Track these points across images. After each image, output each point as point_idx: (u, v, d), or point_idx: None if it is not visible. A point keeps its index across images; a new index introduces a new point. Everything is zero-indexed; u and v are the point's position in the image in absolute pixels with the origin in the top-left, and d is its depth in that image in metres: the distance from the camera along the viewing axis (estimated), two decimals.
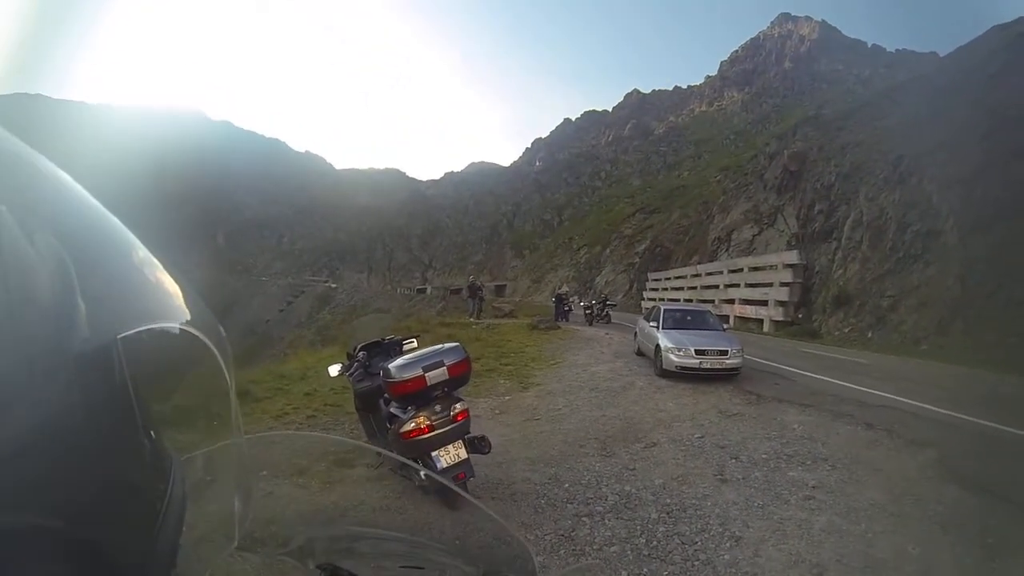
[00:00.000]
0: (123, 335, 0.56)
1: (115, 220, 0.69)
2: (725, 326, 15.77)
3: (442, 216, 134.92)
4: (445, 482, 2.36)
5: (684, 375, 12.44)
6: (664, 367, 12.75)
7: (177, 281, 0.77)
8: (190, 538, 0.76)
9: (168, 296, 0.75)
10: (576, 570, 4.72)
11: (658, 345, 13.26)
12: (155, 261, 0.73)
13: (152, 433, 0.61)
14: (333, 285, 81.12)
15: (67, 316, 0.49)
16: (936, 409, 9.83)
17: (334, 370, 6.94)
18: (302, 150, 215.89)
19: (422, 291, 77.65)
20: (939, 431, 8.53)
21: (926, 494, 6.33)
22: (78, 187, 0.65)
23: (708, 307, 19.85)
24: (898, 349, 19.81)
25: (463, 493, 1.58)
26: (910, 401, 10.43)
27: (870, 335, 22.47)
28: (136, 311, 0.65)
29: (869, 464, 7.34)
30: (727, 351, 12.54)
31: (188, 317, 0.75)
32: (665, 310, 15.31)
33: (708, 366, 12.34)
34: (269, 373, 13.50)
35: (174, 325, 0.72)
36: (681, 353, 12.51)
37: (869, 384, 12.03)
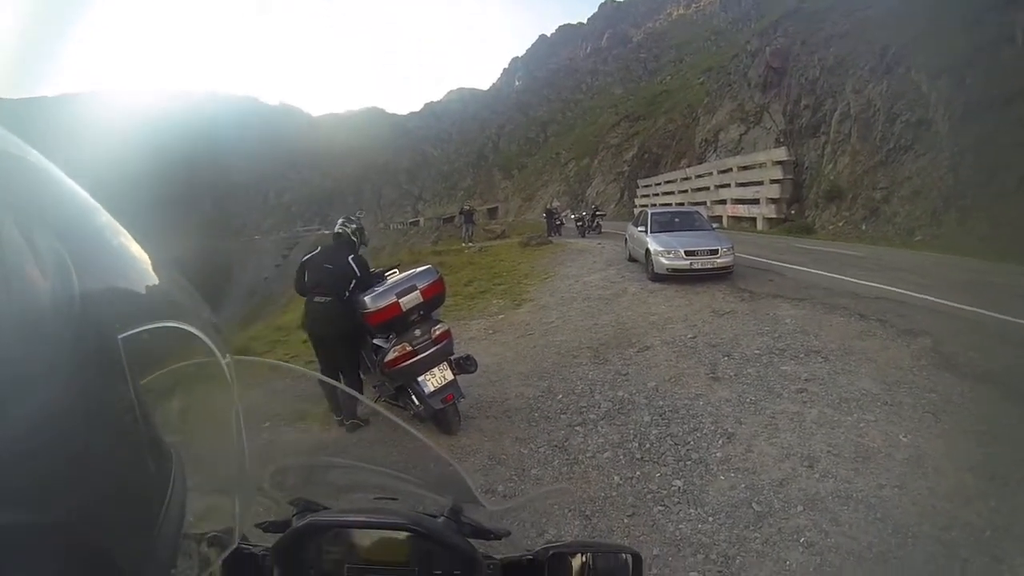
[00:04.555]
0: (124, 335, 0.56)
1: (115, 219, 0.68)
2: (716, 226, 15.51)
3: (427, 147, 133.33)
4: (379, 410, 2.32)
5: (677, 277, 12.35)
6: (655, 271, 12.65)
7: (177, 280, 0.77)
8: (190, 538, 0.80)
9: (169, 295, 0.75)
10: (547, 492, 4.79)
11: (648, 249, 13.13)
12: (155, 260, 0.73)
13: (153, 433, 0.61)
14: (325, 232, 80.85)
15: (67, 316, 0.48)
16: (930, 298, 9.75)
17: None
18: (276, 103, 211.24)
19: (415, 224, 77.32)
20: (933, 320, 8.49)
21: (919, 383, 6.35)
22: (77, 187, 0.64)
23: (697, 208, 19.64)
24: (892, 240, 19.78)
25: (407, 427, 1.54)
26: (904, 291, 10.35)
27: (864, 227, 22.38)
28: (136, 311, 0.64)
29: (862, 354, 7.34)
30: (717, 250, 12.38)
31: (189, 316, 0.75)
32: (652, 214, 15.09)
33: (699, 266, 12.23)
34: (268, 327, 13.52)
35: (175, 324, 0.71)
36: (671, 255, 12.38)
37: (863, 276, 11.97)
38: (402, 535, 1.30)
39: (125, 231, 0.69)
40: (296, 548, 1.30)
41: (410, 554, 1.30)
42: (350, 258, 6.18)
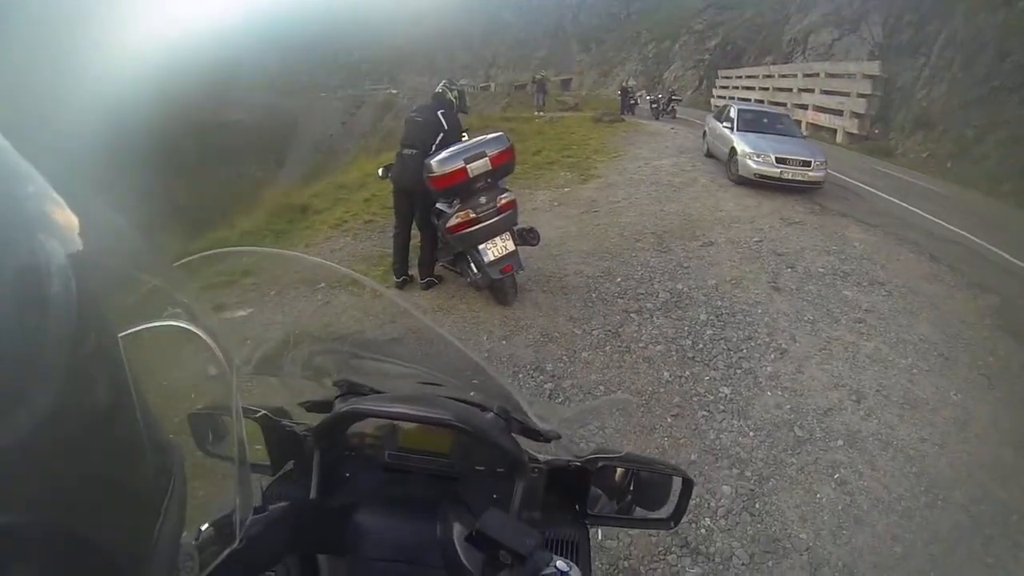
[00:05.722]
0: (124, 334, 0.57)
1: (115, 217, 0.68)
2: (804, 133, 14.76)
3: (504, 13, 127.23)
4: (408, 308, 2.18)
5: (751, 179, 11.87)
6: (740, 173, 11.96)
7: (178, 278, 0.80)
8: (190, 538, 0.82)
9: (169, 294, 0.76)
10: (607, 402, 4.82)
11: (733, 148, 12.43)
12: (156, 259, 0.76)
13: (154, 432, 0.61)
14: (394, 91, 77.46)
15: (66, 315, 0.47)
16: (1008, 257, 9.22)
17: (384, 172, 6.79)
18: None
19: (486, 88, 74.28)
20: (1006, 280, 8.15)
21: (979, 342, 6.24)
22: (74, 186, 0.61)
23: (783, 110, 18.71)
24: (977, 185, 18.64)
25: (459, 344, 1.51)
26: (982, 242, 9.80)
27: (949, 164, 21.21)
28: (137, 310, 0.67)
29: (927, 298, 7.20)
30: (811, 162, 11.64)
31: (189, 315, 0.77)
32: (740, 110, 14.12)
33: (789, 176, 11.51)
34: (330, 185, 13.34)
35: (175, 323, 0.74)
36: (759, 159, 11.67)
37: (941, 215, 11.36)
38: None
39: (130, 230, 0.69)
40: (338, 431, 1.32)
41: (453, 446, 1.31)
42: (439, 112, 6.17)
